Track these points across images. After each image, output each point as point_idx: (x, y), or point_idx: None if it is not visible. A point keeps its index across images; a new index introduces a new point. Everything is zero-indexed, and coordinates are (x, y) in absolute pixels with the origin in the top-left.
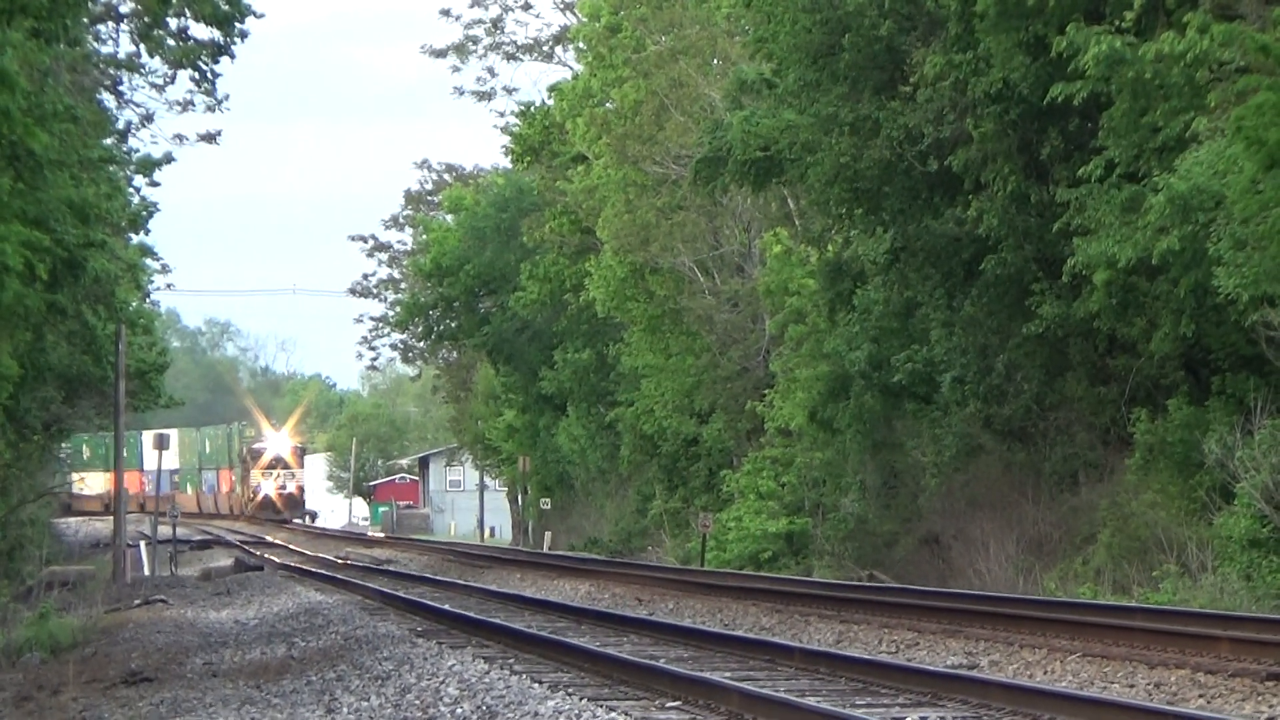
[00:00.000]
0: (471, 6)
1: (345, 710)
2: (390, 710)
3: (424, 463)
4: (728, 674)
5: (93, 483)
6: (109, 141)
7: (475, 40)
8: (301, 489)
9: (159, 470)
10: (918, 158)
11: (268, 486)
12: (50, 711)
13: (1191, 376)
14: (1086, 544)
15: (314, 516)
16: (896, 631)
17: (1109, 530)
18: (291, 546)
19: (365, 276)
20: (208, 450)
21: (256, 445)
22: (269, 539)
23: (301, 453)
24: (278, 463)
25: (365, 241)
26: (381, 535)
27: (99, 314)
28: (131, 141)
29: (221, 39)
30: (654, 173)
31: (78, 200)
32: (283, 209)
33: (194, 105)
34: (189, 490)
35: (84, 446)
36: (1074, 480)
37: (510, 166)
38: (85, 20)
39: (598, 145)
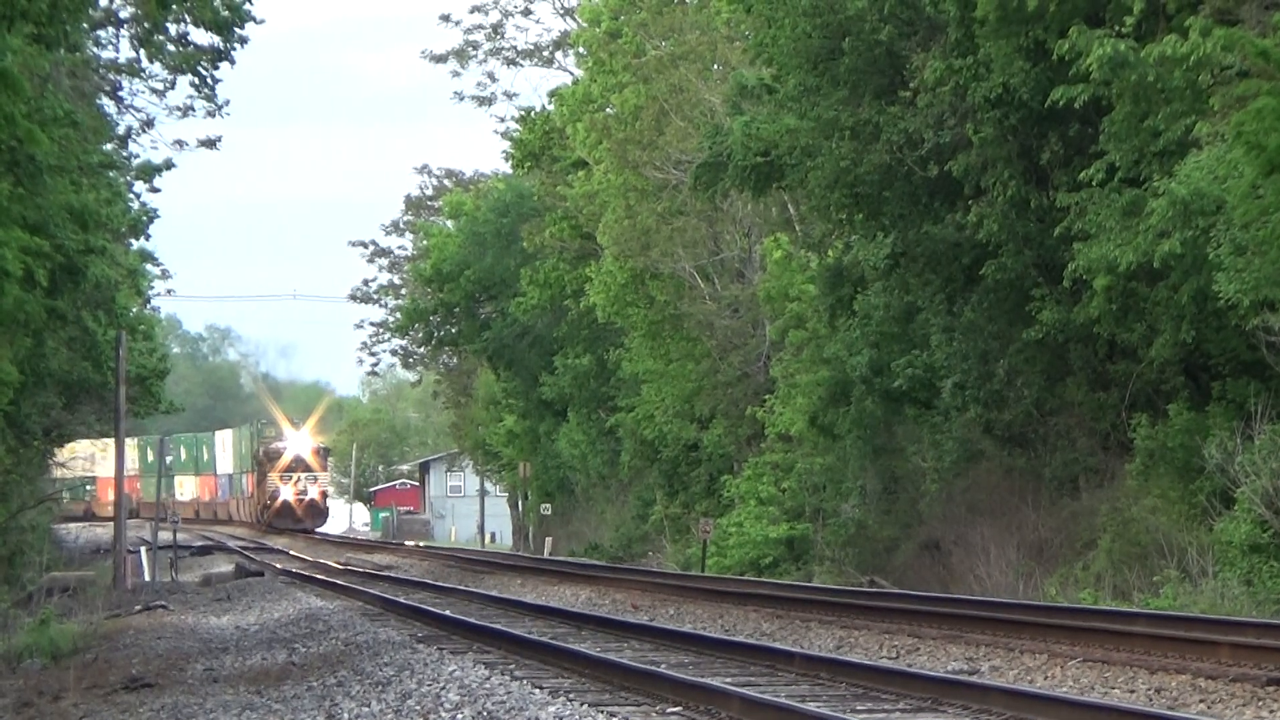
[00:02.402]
0: (472, 12)
1: (346, 716)
2: (391, 716)
3: (424, 468)
4: (728, 679)
5: (185, 487)
6: (109, 147)
7: (475, 45)
8: (325, 494)
9: (159, 473)
10: (918, 163)
11: (287, 492)
12: (51, 718)
13: (1192, 382)
14: (1087, 549)
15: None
16: (897, 637)
17: (1109, 535)
18: (292, 552)
19: (365, 282)
20: (243, 451)
21: (274, 446)
22: (270, 544)
23: (325, 454)
24: (298, 465)
25: (365, 247)
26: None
27: (99, 320)
28: (132, 147)
29: (221, 44)
30: (654, 178)
31: (78, 206)
32: (283, 214)
33: (194, 110)
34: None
35: (180, 448)
36: (1074, 485)
37: (510, 172)
38: (85, 25)
39: (598, 150)
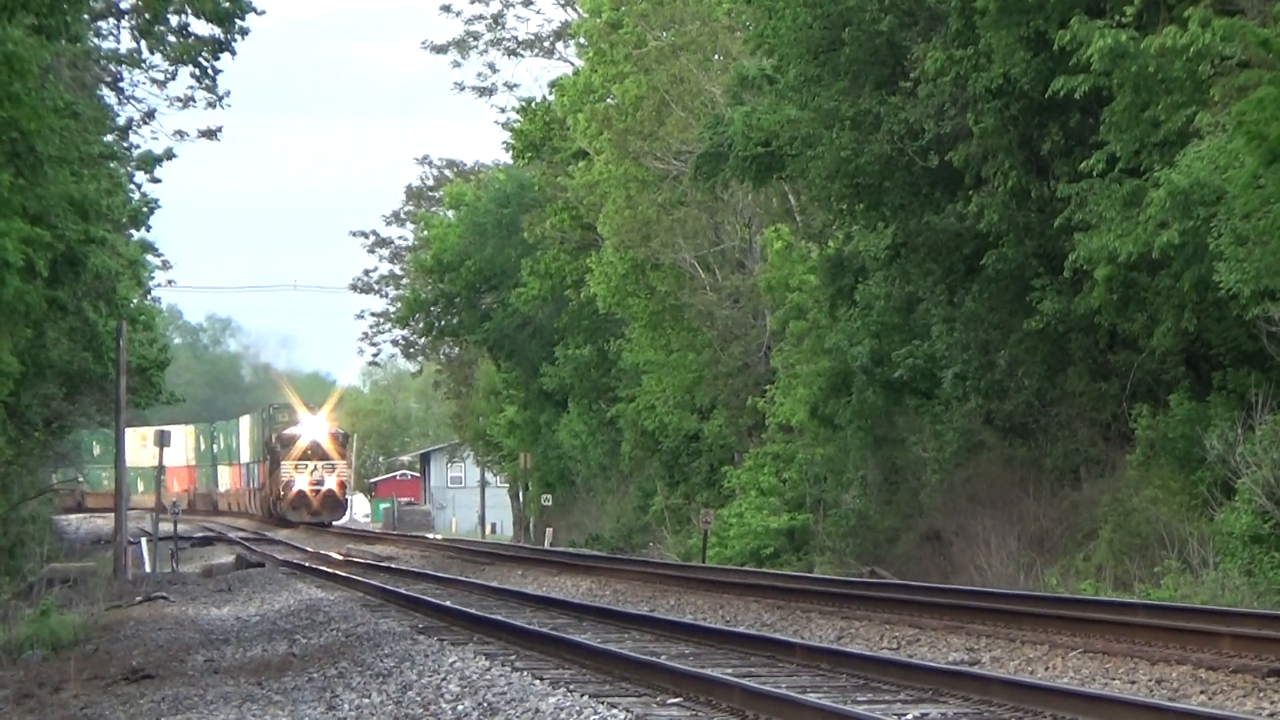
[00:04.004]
0: (472, 2)
1: (347, 707)
2: (392, 707)
3: (425, 459)
4: (729, 670)
5: (224, 478)
6: (110, 138)
7: (476, 36)
8: (344, 484)
9: (160, 466)
10: (918, 153)
11: (301, 481)
12: (51, 709)
13: (1193, 372)
14: (1088, 540)
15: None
16: (898, 628)
17: (1110, 526)
18: (293, 544)
19: (366, 272)
20: (255, 439)
21: (288, 431)
22: (271, 536)
23: (344, 440)
24: (315, 452)
25: (366, 237)
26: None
27: (100, 310)
28: (132, 138)
29: (222, 35)
30: (655, 168)
31: (78, 196)
32: (284, 205)
33: (195, 101)
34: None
35: (220, 436)
36: (1075, 476)
37: (511, 162)
38: (86, 16)
39: (599, 141)
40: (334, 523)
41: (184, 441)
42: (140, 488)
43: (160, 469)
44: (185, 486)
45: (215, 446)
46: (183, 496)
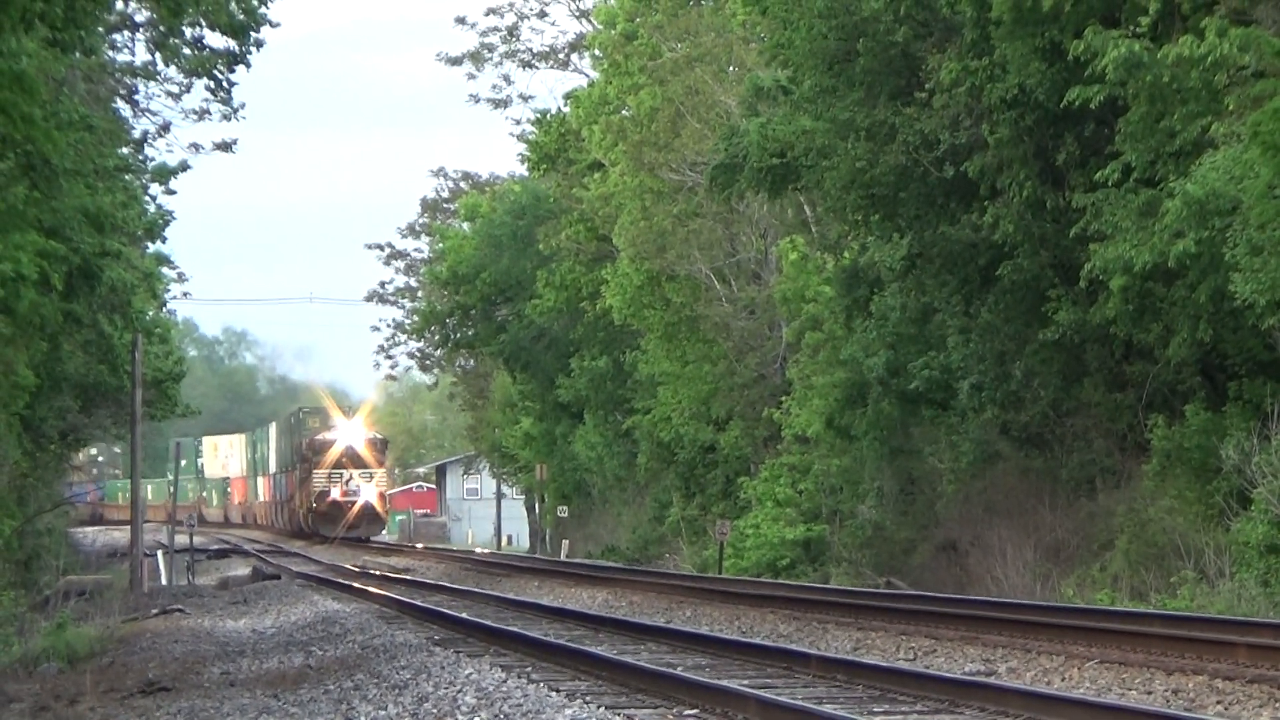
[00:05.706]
0: (487, 14)
1: (363, 719)
2: (408, 719)
3: (441, 471)
4: (745, 681)
5: (260, 488)
6: (125, 150)
7: (491, 48)
8: (383, 495)
9: (176, 478)
10: (934, 164)
11: (336, 492)
12: None
13: (1208, 382)
14: (1104, 550)
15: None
16: (914, 639)
17: (1126, 536)
18: (309, 556)
19: (382, 284)
20: (282, 446)
21: (320, 437)
22: (287, 548)
23: (382, 446)
24: (350, 459)
25: (382, 249)
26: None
27: (115, 323)
28: (147, 150)
29: (237, 48)
30: (670, 180)
31: (93, 209)
32: (299, 217)
33: (210, 114)
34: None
35: (258, 444)
36: (1091, 486)
37: (526, 174)
38: (101, 29)
39: (614, 152)
40: (371, 537)
41: (241, 452)
42: (214, 500)
43: (175, 480)
44: (241, 498)
45: (256, 456)
46: (239, 508)
